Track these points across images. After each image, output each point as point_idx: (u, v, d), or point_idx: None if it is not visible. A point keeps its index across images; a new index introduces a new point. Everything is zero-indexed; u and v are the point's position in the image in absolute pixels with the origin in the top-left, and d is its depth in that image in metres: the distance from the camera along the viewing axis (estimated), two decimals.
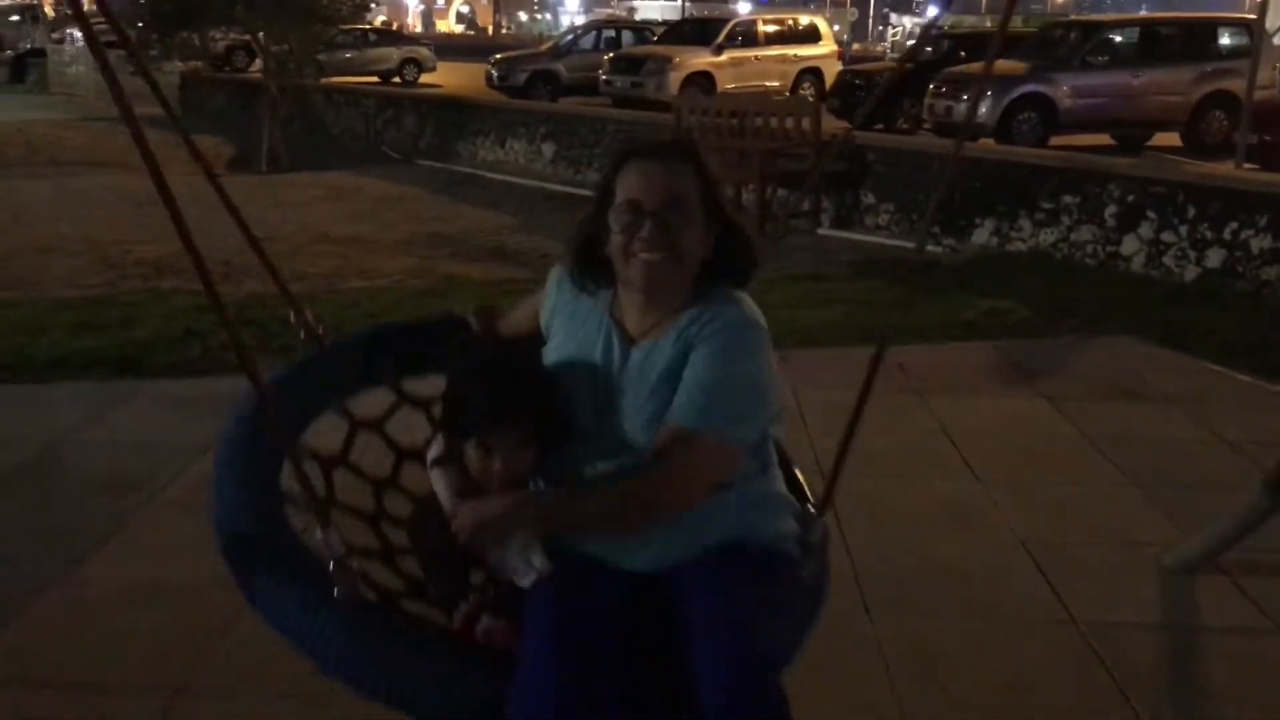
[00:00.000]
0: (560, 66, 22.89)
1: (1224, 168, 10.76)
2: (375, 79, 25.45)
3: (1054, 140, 15.01)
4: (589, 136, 12.63)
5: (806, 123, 9.73)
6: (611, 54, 22.18)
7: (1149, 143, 16.05)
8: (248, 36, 15.79)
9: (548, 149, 13.23)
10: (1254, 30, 16.28)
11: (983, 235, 8.86)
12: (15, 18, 34.33)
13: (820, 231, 9.72)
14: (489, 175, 13.04)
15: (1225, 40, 16.19)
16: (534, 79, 22.26)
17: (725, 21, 22.51)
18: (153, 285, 6.84)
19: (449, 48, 38.95)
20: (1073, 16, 24.84)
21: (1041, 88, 15.49)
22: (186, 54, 16.40)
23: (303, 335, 2.23)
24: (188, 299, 6.13)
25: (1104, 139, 15.64)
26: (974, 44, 19.29)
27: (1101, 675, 2.81)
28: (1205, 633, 3.11)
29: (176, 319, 5.77)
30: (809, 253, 8.70)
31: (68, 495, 3.78)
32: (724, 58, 20.98)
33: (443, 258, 8.27)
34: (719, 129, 10.43)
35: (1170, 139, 16.03)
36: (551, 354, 1.97)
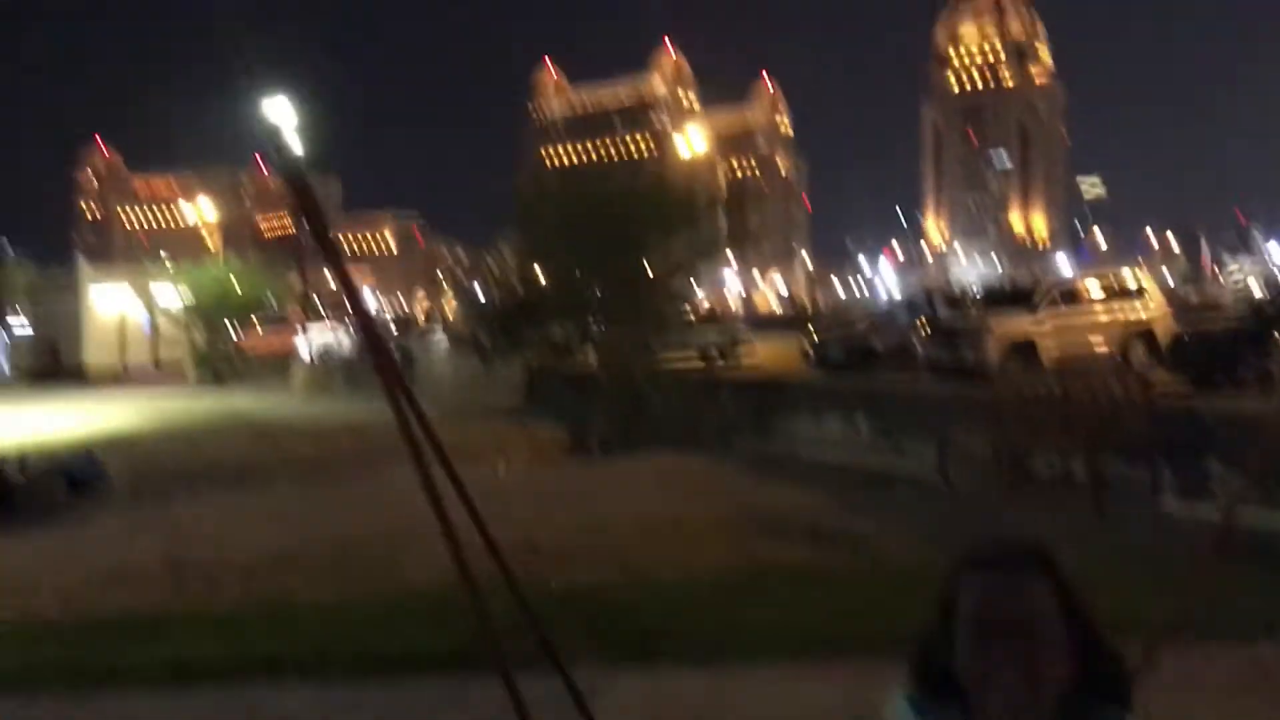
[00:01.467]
0: (876, 340, 23.18)
1: None
2: (697, 359, 26.85)
3: None
4: (906, 413, 12.64)
5: (1136, 388, 9.29)
6: (928, 325, 22.29)
7: None
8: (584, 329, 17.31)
9: (864, 425, 13.32)
10: None
11: None
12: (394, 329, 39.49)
13: (1164, 508, 9.04)
14: (805, 453, 13.23)
15: None
16: (851, 354, 22.59)
17: (1042, 285, 22.15)
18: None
19: (767, 324, 40.58)
20: None
21: None
22: (531, 350, 18.16)
23: None
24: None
25: None
26: None
27: None
28: None
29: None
30: (1159, 537, 8.01)
31: None
32: (1045, 323, 20.51)
33: (758, 538, 8.36)
34: (1039, 398, 10.15)
35: None
36: None
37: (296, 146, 28.53)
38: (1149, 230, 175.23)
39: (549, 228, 15.84)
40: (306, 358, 30.02)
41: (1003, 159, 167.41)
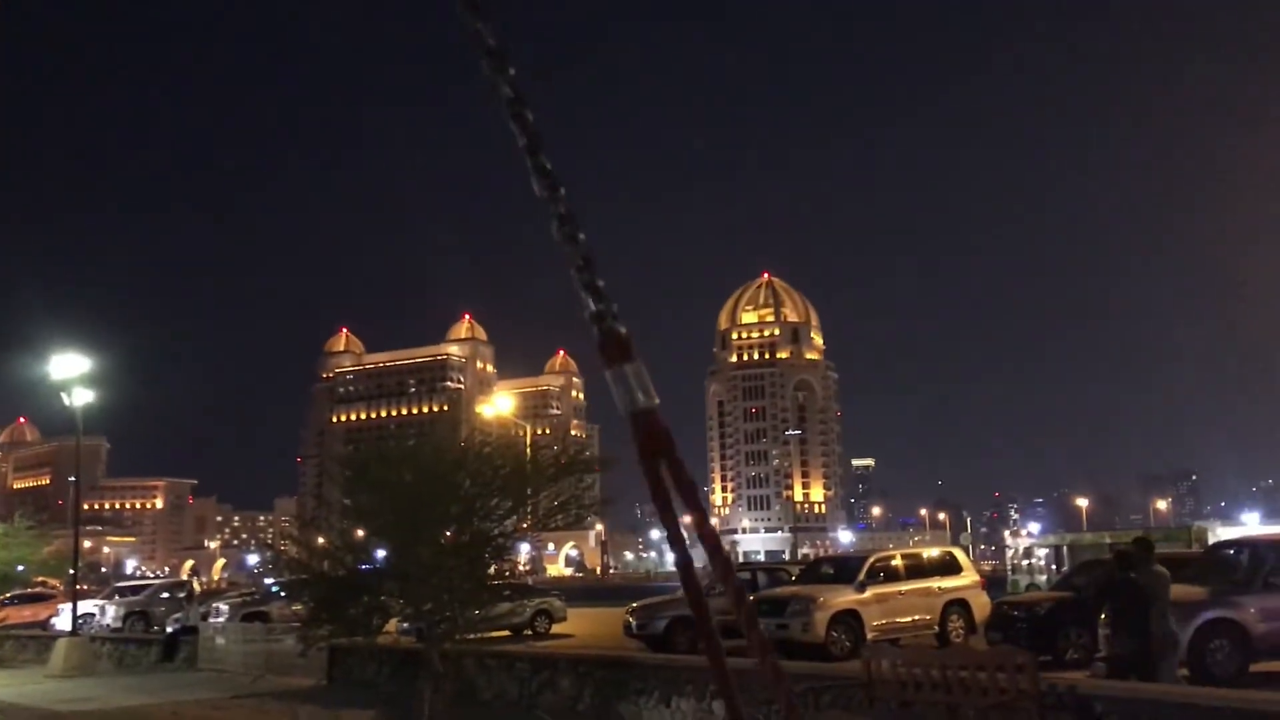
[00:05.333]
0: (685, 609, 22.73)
1: None
2: (507, 633, 25.48)
3: (1254, 668, 13.97)
4: (763, 693, 11.97)
5: (1020, 673, 9.04)
6: (752, 596, 22.05)
7: None
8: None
9: (719, 709, 12.54)
10: None
11: None
12: (165, 595, 36.04)
13: None
14: None
15: None
16: (674, 625, 21.99)
17: (865, 558, 22.49)
18: None
19: (564, 592, 39.43)
20: (1238, 536, 24.32)
21: (1228, 613, 14.65)
22: (340, 623, 16.60)
23: None
24: None
25: None
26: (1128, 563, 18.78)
27: None
28: None
29: None
30: None
31: None
32: (869, 594, 20.63)
33: None
34: (919, 682, 9.77)
35: None
36: None
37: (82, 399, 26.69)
38: (922, 509, 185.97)
39: (381, 491, 14.79)
40: (69, 629, 26.72)
41: (787, 432, 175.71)
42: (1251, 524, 45.73)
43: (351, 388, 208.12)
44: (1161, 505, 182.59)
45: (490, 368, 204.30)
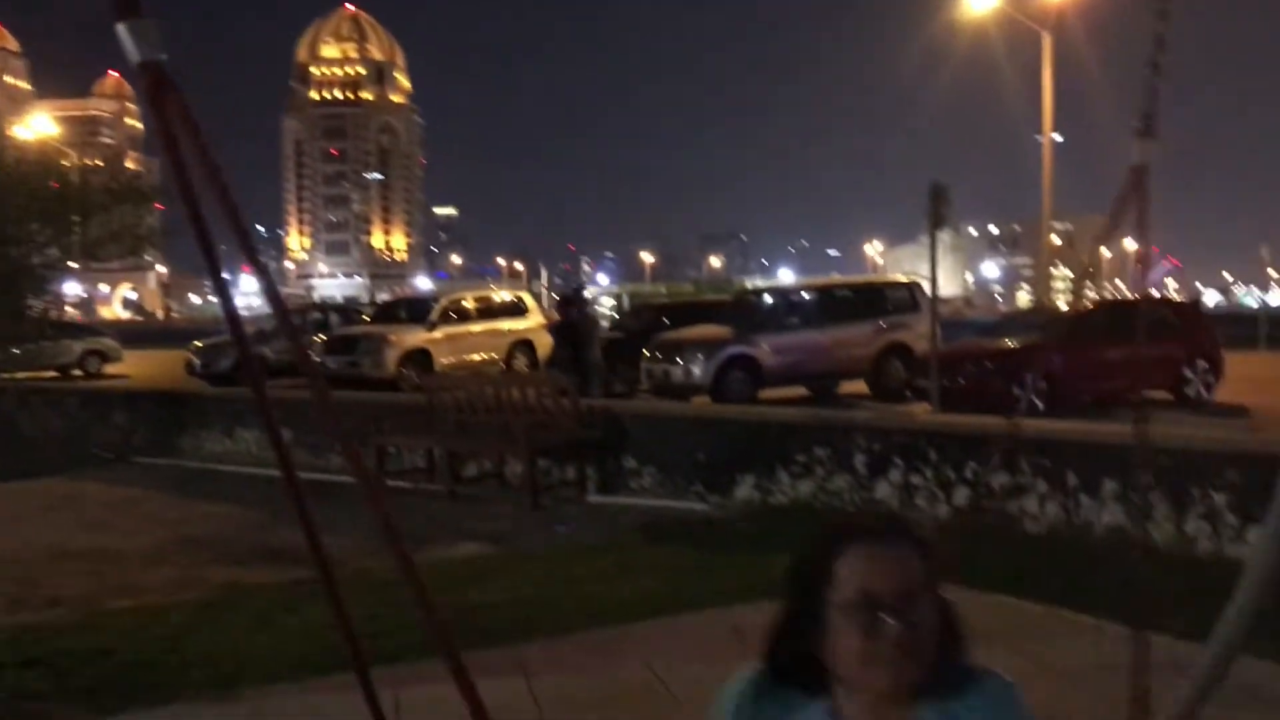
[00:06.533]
0: (267, 350, 22.45)
1: (919, 409, 12.07)
2: (54, 374, 23.86)
3: (762, 394, 16.31)
4: (323, 421, 12.32)
5: (565, 396, 10.04)
6: (324, 335, 22.09)
7: (839, 391, 17.73)
8: None
9: (285, 435, 12.78)
10: (914, 290, 18.77)
11: (745, 490, 9.35)
12: None
13: (589, 499, 9.89)
14: (221, 468, 12.37)
15: (893, 298, 18.44)
16: (240, 364, 21.67)
17: (436, 300, 23.08)
18: None
19: (120, 335, 37.12)
20: (759, 284, 27.37)
21: (746, 349, 16.87)
22: None
23: None
24: None
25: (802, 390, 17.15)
26: (675, 313, 20.93)
27: None
28: None
29: None
30: (589, 521, 8.82)
31: None
32: (439, 334, 21.40)
33: (207, 564, 7.68)
34: (474, 405, 10.57)
35: (858, 387, 17.79)
36: None
37: None
38: (500, 258, 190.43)
39: None
40: None
41: (370, 175, 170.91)
42: (786, 279, 51.72)
43: None
44: (715, 262, 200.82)
45: (24, 84, 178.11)
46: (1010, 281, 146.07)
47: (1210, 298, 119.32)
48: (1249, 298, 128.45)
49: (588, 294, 21.56)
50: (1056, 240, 64.39)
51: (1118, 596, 6.11)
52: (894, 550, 1.60)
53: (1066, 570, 6.63)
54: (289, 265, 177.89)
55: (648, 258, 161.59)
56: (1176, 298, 35.11)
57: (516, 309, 23.66)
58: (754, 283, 36.47)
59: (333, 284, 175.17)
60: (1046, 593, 6.00)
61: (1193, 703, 3.45)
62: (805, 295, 19.06)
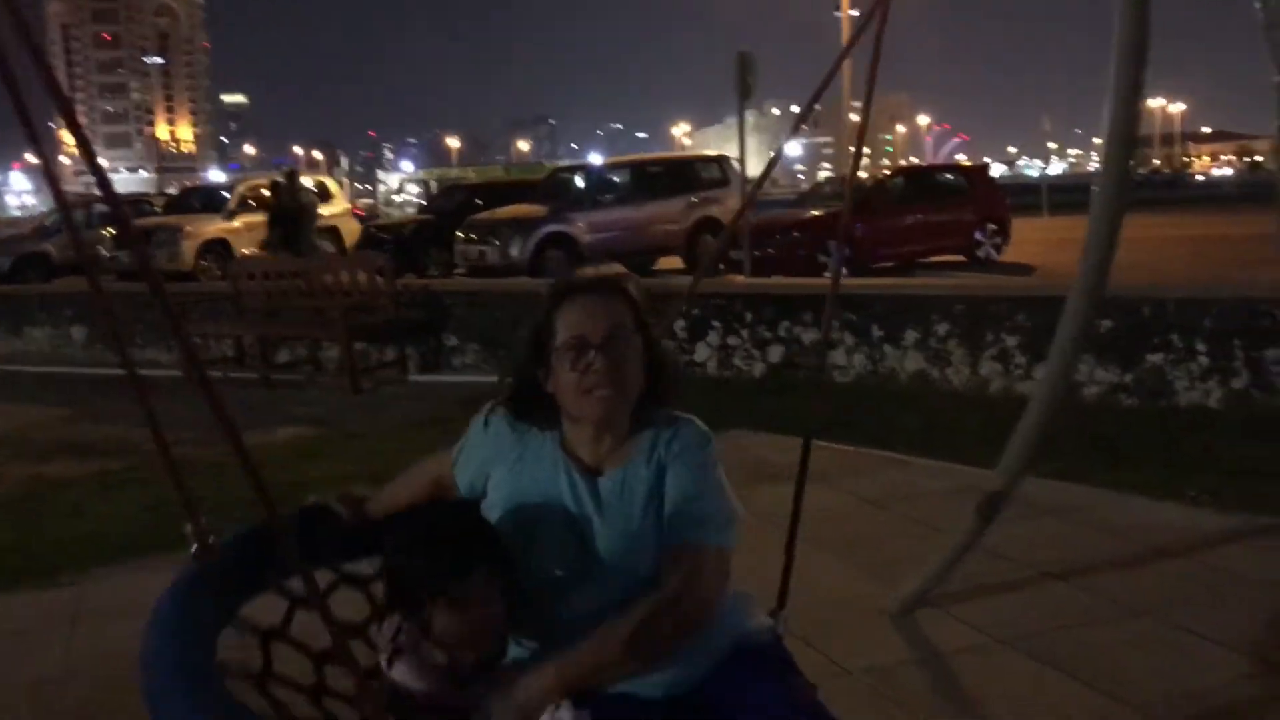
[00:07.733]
0: (50, 246, 21.05)
1: (740, 279, 12.40)
2: None
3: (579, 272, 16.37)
4: (125, 315, 11.68)
5: (380, 276, 9.81)
6: (111, 229, 20.76)
7: (655, 266, 17.98)
8: None
9: (78, 333, 12.07)
10: (723, 165, 19.05)
11: None
12: None
13: (411, 378, 9.79)
14: (8, 368, 11.60)
15: (704, 174, 18.68)
16: (21, 262, 20.34)
17: (233, 188, 21.97)
18: None
19: None
20: (568, 162, 27.32)
21: (563, 227, 16.85)
22: None
23: (195, 548, 1.78)
24: None
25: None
26: (487, 193, 20.60)
27: (891, 708, 3.20)
28: (943, 657, 3.61)
29: None
30: (413, 400, 8.75)
31: None
32: (238, 223, 20.46)
33: (6, 461, 7.25)
34: (287, 291, 10.21)
35: (673, 261, 18.09)
36: (501, 505, 1.92)
37: None
38: (296, 147, 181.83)
39: None
40: None
41: (146, 58, 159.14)
42: (597, 162, 51.45)
43: None
44: (524, 146, 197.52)
45: None
46: (812, 160, 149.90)
47: (997, 170, 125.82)
48: (1030, 169, 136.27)
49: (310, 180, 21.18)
50: (855, 118, 66.23)
51: (920, 434, 6.58)
52: (602, 300, 1.88)
53: (875, 415, 7.04)
54: (64, 160, 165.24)
55: (454, 143, 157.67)
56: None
57: (321, 195, 22.76)
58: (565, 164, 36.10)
59: (116, 179, 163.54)
60: (857, 436, 6.36)
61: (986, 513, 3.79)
62: (618, 173, 19.08)
